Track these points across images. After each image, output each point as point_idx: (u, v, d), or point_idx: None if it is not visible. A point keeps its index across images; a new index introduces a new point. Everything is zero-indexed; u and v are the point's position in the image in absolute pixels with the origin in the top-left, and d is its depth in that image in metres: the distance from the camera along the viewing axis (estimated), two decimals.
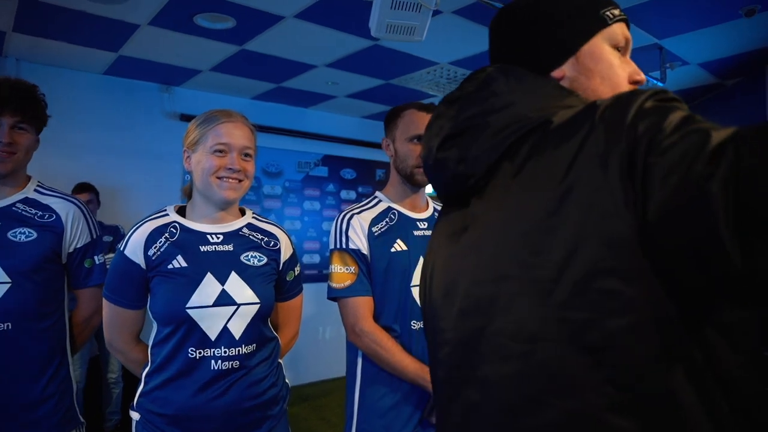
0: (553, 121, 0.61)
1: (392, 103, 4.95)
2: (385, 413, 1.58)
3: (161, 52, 3.63)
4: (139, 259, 1.34)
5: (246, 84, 4.36)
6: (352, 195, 5.63)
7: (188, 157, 1.41)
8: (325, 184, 5.39)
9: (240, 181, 1.37)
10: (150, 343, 1.39)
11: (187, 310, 1.29)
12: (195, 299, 1.30)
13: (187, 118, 4.47)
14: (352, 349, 1.66)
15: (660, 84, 3.63)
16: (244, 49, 3.54)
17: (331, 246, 1.63)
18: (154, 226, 1.38)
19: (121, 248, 1.37)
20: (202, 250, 1.36)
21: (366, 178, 5.73)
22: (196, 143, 1.38)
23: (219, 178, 1.35)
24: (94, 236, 1.63)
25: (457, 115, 0.66)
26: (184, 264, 1.33)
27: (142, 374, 1.39)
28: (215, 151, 1.35)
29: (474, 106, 0.66)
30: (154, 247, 1.34)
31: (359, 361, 1.63)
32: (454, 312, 0.64)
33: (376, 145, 5.69)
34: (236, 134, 1.37)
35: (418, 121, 1.65)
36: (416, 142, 1.64)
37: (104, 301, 1.40)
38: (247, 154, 1.39)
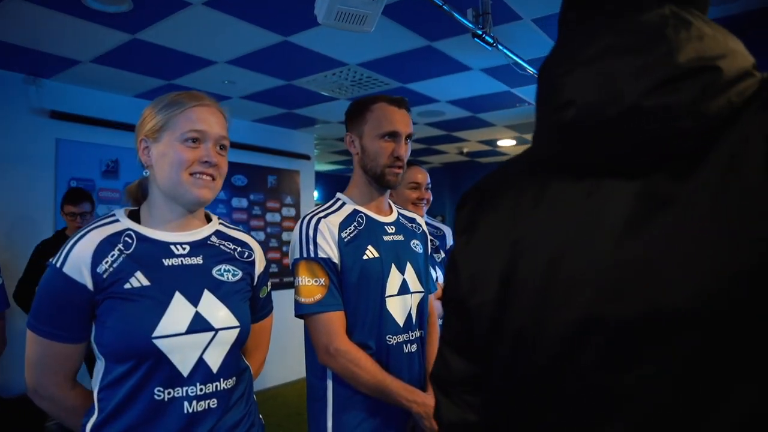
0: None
1: (289, 106, 4.79)
2: None
3: (30, 36, 3.11)
4: (84, 278, 1.08)
5: (131, 79, 3.91)
6: (244, 203, 5.42)
7: (146, 148, 1.19)
8: None
9: (214, 179, 1.18)
10: (96, 387, 1.12)
11: (154, 341, 1.07)
12: (164, 326, 1.09)
13: (59, 115, 3.91)
14: (317, 371, 1.52)
15: None
16: (136, 38, 3.15)
17: (296, 255, 1.49)
18: (104, 236, 1.13)
19: (57, 264, 1.09)
20: (166, 264, 1.15)
21: (258, 184, 5.54)
22: (159, 130, 1.17)
23: (192, 174, 1.16)
24: None
25: (669, 53, 0.53)
26: (146, 282, 1.11)
27: (85, 427, 1.10)
28: (186, 140, 1.16)
29: (688, 44, 0.54)
30: (106, 263, 1.10)
31: (329, 384, 1.50)
32: (660, 310, 0.52)
33: (269, 151, 5.51)
34: (212, 121, 1.19)
35: (391, 116, 1.55)
36: (388, 140, 1.55)
37: (29, 335, 1.12)
38: (222, 146, 1.21)
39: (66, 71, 3.71)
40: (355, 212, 1.58)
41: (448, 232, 2.83)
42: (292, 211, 5.86)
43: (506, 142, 6.69)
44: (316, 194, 6.95)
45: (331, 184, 9.62)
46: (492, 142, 6.72)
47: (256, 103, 4.65)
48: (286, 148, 5.73)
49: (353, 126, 1.61)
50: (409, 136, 1.58)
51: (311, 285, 1.46)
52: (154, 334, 1.07)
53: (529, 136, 6.31)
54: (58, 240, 3.23)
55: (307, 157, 5.95)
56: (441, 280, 2.34)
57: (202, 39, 3.20)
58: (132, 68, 3.67)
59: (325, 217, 1.54)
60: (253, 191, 5.48)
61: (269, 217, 5.64)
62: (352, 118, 1.61)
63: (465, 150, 7.18)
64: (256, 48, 3.36)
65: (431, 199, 2.47)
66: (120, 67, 3.63)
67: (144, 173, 1.21)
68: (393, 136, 1.55)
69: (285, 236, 5.76)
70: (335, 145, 6.73)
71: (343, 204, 1.61)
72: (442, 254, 2.56)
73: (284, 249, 5.69)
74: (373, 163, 1.56)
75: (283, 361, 5.23)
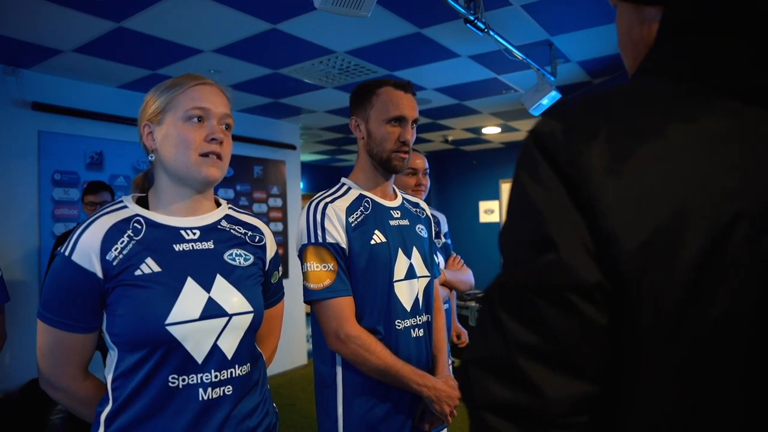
0: None
1: (275, 95, 4.74)
2: (376, 425, 1.46)
3: (8, 24, 3.02)
4: (94, 266, 1.06)
5: (115, 70, 3.82)
6: (230, 194, 5.38)
7: (150, 132, 1.17)
8: None
9: (220, 157, 1.16)
10: (109, 376, 1.10)
11: (167, 328, 1.05)
12: (177, 312, 1.07)
13: (41, 107, 3.81)
14: (326, 358, 1.52)
15: (552, 78, 3.82)
16: (121, 26, 3.08)
17: (304, 240, 1.48)
18: (113, 222, 1.11)
19: (66, 253, 1.07)
20: (176, 249, 1.14)
21: (244, 175, 5.50)
22: (161, 112, 1.16)
23: (201, 155, 1.14)
24: None
25: None
26: (156, 268, 1.09)
27: (99, 417, 1.09)
28: (190, 117, 1.14)
29: None
30: (115, 249, 1.08)
31: (339, 370, 1.49)
32: None
33: (255, 141, 5.46)
34: (215, 99, 1.18)
35: (397, 101, 1.55)
36: (394, 125, 1.55)
37: (40, 325, 1.10)
38: (227, 126, 1.20)
39: (47, 61, 3.61)
40: (362, 197, 1.57)
41: (442, 218, 2.82)
42: (279, 202, 5.83)
43: (491, 130, 6.69)
44: (301, 185, 6.90)
45: (317, 175, 9.57)
46: (477, 130, 6.71)
47: (242, 93, 4.58)
48: (272, 138, 5.69)
49: (359, 110, 1.60)
50: (415, 121, 1.58)
51: (320, 270, 1.45)
52: (168, 321, 1.05)
53: (514, 124, 6.35)
54: None
55: (292, 147, 5.92)
56: (443, 265, 2.33)
57: (189, 27, 3.14)
58: (116, 58, 3.59)
59: (332, 201, 1.52)
60: (239, 182, 5.43)
61: (256, 207, 5.60)
62: (358, 102, 1.60)
63: (450, 138, 7.17)
64: (243, 36, 3.30)
65: (429, 185, 2.48)
66: (104, 56, 3.55)
67: (150, 158, 1.19)
68: (399, 120, 1.55)
69: (272, 226, 5.72)
70: (320, 134, 6.69)
71: (349, 189, 1.60)
72: (443, 239, 2.56)
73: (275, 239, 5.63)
74: (379, 147, 1.56)
75: None
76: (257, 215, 5.53)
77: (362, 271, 1.48)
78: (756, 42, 0.53)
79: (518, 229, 0.57)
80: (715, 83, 0.55)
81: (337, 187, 1.61)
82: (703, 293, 0.50)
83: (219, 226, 1.23)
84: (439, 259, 2.36)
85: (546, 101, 3.79)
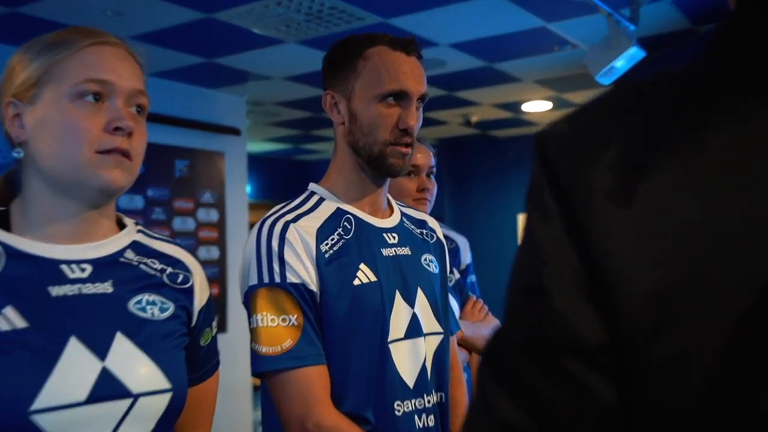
0: None
1: (207, 52, 4.74)
2: None
3: None
4: None
5: None
6: (138, 202, 5.36)
7: (16, 115, 1.20)
8: None
9: (128, 156, 1.19)
10: None
11: (33, 418, 1.06)
12: (50, 392, 1.08)
13: None
14: None
15: (632, 27, 3.78)
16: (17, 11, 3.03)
17: (253, 280, 1.53)
18: None
19: None
20: (54, 294, 1.17)
21: (160, 174, 5.49)
22: (35, 85, 1.19)
23: (99, 152, 1.17)
24: None
25: None
26: (21, 323, 1.12)
27: None
28: (82, 95, 1.17)
29: None
30: None
31: None
32: None
33: (176, 122, 5.46)
34: (120, 68, 1.22)
35: (396, 67, 1.59)
36: (391, 103, 1.59)
37: None
38: (140, 108, 1.24)
39: None
40: (340, 213, 1.62)
41: (461, 242, 2.89)
42: (214, 215, 5.83)
43: (536, 105, 6.71)
44: (249, 190, 6.91)
45: (273, 175, 9.61)
46: (515, 106, 6.74)
47: (156, 48, 4.54)
48: (204, 118, 5.69)
49: (336, 81, 1.64)
50: (422, 98, 1.62)
51: (277, 327, 1.49)
52: (34, 407, 1.06)
53: (571, 97, 6.38)
54: None
55: (235, 132, 5.94)
56: (457, 313, 2.41)
57: None
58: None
59: (295, 220, 1.56)
60: (152, 184, 5.40)
61: (178, 223, 5.59)
62: (336, 68, 1.65)
63: (474, 119, 7.20)
64: None
65: (435, 191, 2.50)
66: None
67: (14, 154, 1.21)
68: (399, 97, 1.59)
69: (203, 253, 5.72)
70: (277, 113, 6.69)
71: (321, 200, 1.64)
72: (456, 275, 2.60)
73: (207, 273, 5.58)
74: (368, 138, 1.60)
75: None
76: (180, 236, 5.60)
77: (341, 325, 1.52)
78: None
79: (516, 269, 0.65)
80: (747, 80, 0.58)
81: (303, 197, 1.65)
82: (744, 376, 0.53)
83: (122, 259, 1.26)
84: (454, 304, 2.38)
85: (621, 63, 3.78)
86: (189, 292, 1.34)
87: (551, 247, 0.60)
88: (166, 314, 1.27)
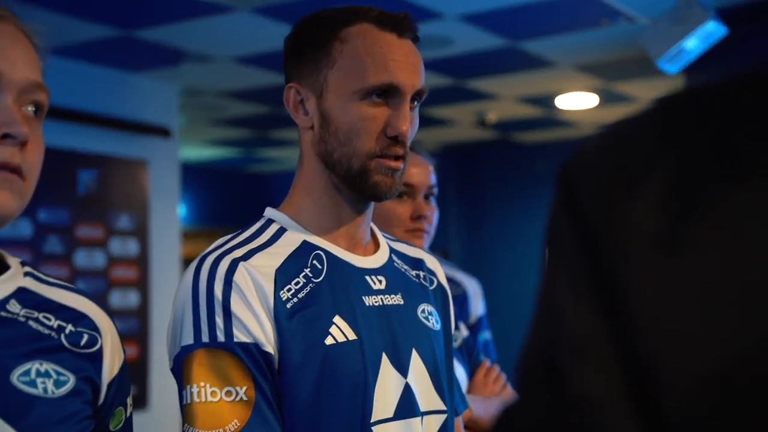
0: None
1: (126, 22, 4.78)
2: None
3: None
4: None
5: None
6: (25, 229, 5.43)
7: None
8: None
9: (19, 173, 1.21)
10: None
11: None
12: None
13: None
14: None
15: None
16: None
17: (188, 340, 1.55)
18: None
19: None
20: None
21: (57, 189, 5.57)
22: None
23: None
24: None
25: None
26: None
27: None
28: None
29: None
30: None
31: None
32: None
33: (82, 118, 5.52)
34: (9, 54, 1.24)
35: (384, 53, 1.63)
36: (377, 101, 1.62)
37: None
38: (37, 106, 1.26)
39: None
40: (307, 248, 1.65)
41: (471, 286, 2.95)
42: (133, 247, 5.90)
43: (577, 100, 6.81)
44: (183, 212, 6.93)
45: (216, 191, 9.72)
46: (547, 100, 6.85)
47: (51, 15, 4.60)
48: (119, 114, 5.74)
49: (303, 71, 1.67)
50: (418, 95, 1.65)
51: (219, 402, 1.50)
52: None
53: (625, 88, 6.48)
54: None
55: (163, 132, 5.98)
56: (465, 383, 2.43)
57: None
58: None
59: (245, 257, 1.58)
60: (45, 204, 5.47)
61: (81, 258, 5.64)
62: (303, 53, 1.69)
63: (491, 117, 7.30)
64: None
65: (436, 218, 2.55)
66: None
67: None
68: (388, 93, 1.61)
69: (117, 299, 5.77)
70: (223, 107, 6.80)
71: (281, 231, 1.67)
72: (464, 332, 2.63)
73: (123, 327, 5.60)
74: (345, 148, 1.63)
75: None
76: (84, 276, 5.68)
77: (308, 401, 1.55)
78: None
79: (530, 336, 0.68)
80: None
81: (257, 226, 1.68)
82: None
83: (2, 313, 1.28)
84: (459, 372, 2.40)
85: (694, 43, 3.86)
86: (96, 359, 1.36)
87: (571, 312, 0.62)
88: (64, 390, 1.29)
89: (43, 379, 1.27)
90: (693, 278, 0.58)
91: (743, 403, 0.56)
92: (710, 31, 3.78)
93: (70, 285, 1.42)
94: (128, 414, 1.44)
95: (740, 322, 0.57)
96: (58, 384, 1.28)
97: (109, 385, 1.37)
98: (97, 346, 1.37)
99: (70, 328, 1.34)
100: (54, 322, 1.33)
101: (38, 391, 1.26)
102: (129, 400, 1.44)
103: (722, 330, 0.57)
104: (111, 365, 1.38)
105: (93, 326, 1.38)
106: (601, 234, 0.62)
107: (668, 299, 0.58)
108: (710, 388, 0.56)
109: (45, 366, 1.29)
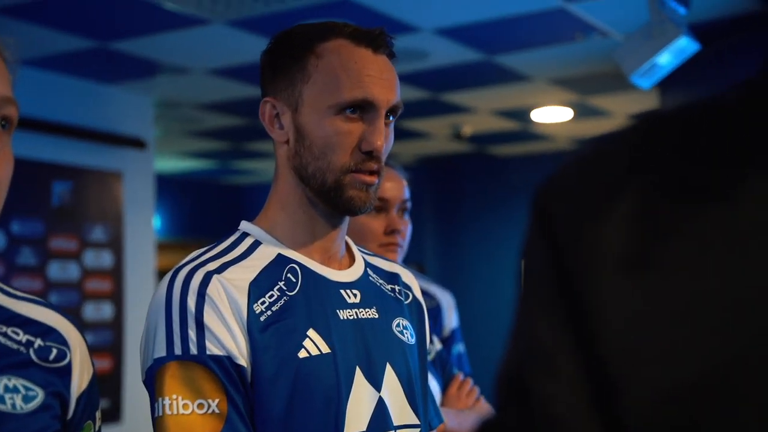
0: None
1: (101, 34, 4.77)
2: None
3: None
4: None
5: None
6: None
7: None
8: None
9: None
10: None
11: None
12: None
13: None
14: None
15: (682, 10, 3.84)
16: None
17: (158, 353, 1.54)
18: None
19: None
20: None
21: (30, 201, 5.54)
22: None
23: None
24: None
25: None
26: None
27: None
28: None
29: None
30: None
31: None
32: None
33: (57, 129, 5.50)
34: None
35: (359, 69, 1.64)
36: (353, 116, 1.62)
37: None
38: (5, 120, 1.26)
39: None
40: (282, 261, 1.65)
41: (444, 300, 2.93)
42: (107, 259, 5.87)
43: (552, 113, 6.83)
44: (157, 224, 6.90)
45: (191, 203, 9.68)
46: (522, 114, 6.86)
47: (25, 25, 4.58)
48: (94, 125, 5.71)
49: (279, 85, 1.67)
50: (393, 110, 1.66)
51: (191, 415, 1.50)
52: None
53: (599, 102, 6.49)
54: None
55: (138, 144, 5.95)
56: (438, 397, 2.44)
57: None
58: None
59: (219, 270, 1.57)
60: (18, 215, 5.44)
61: (55, 271, 5.61)
62: (278, 68, 1.68)
63: (466, 130, 7.31)
64: None
65: (409, 232, 2.54)
66: None
67: None
68: (363, 108, 1.62)
69: (91, 312, 5.74)
70: (198, 119, 6.77)
71: (256, 244, 1.67)
72: (437, 345, 2.62)
73: (98, 339, 5.64)
74: (320, 162, 1.63)
75: None
76: (59, 288, 5.66)
77: (281, 414, 1.54)
78: None
79: (505, 353, 0.71)
80: None
81: (232, 239, 1.68)
82: None
83: None
84: (433, 385, 2.40)
85: (666, 58, 3.85)
86: (65, 373, 1.35)
87: (540, 329, 0.64)
88: (33, 405, 1.28)
89: (11, 394, 1.27)
90: (657, 297, 0.59)
91: (703, 418, 0.58)
92: (683, 47, 3.79)
93: (38, 299, 1.41)
94: (97, 428, 1.43)
95: (703, 340, 0.58)
96: (26, 399, 1.28)
97: (78, 400, 1.38)
98: (66, 361, 1.37)
99: (38, 342, 1.34)
100: (22, 337, 1.33)
101: (6, 407, 1.26)
102: (98, 414, 1.43)
103: (685, 347, 0.58)
104: (80, 379, 1.38)
105: (62, 340, 1.38)
106: (571, 256, 0.63)
107: (633, 318, 0.59)
108: (671, 403, 0.58)
109: (14, 381, 1.29)
